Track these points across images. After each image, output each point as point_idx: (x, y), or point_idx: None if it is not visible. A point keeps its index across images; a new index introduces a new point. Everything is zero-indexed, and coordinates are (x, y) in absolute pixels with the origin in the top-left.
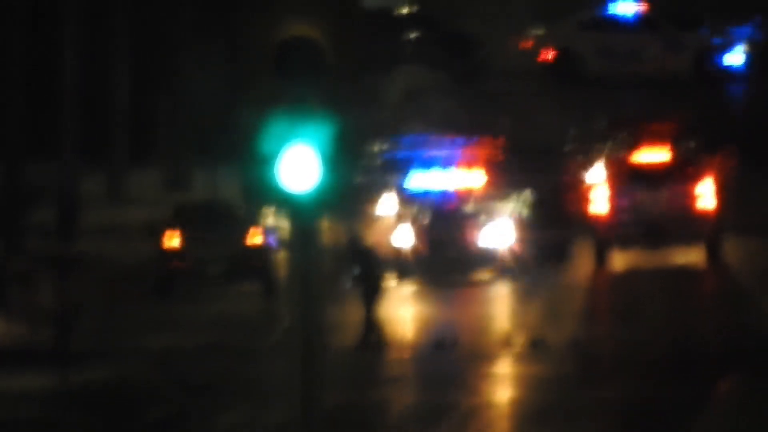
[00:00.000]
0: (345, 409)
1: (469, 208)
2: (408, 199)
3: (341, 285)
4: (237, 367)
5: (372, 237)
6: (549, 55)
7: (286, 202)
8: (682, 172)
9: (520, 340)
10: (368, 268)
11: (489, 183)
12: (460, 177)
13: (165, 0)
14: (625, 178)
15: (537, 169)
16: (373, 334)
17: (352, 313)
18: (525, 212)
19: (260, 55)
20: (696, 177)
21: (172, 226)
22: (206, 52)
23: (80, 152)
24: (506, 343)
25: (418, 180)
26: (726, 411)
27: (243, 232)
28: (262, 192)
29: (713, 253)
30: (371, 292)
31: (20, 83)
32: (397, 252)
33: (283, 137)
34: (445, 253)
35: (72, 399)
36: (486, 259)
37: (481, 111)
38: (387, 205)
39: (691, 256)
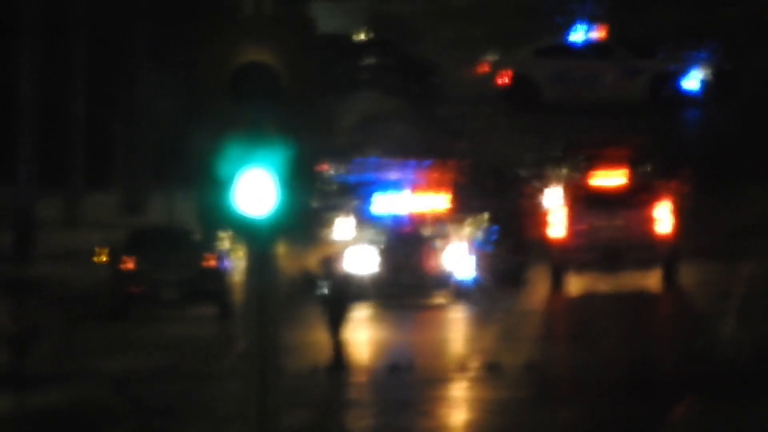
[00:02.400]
0: None
1: (425, 231)
2: (364, 223)
3: (301, 306)
4: (193, 390)
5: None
6: (505, 80)
7: (242, 227)
8: (639, 197)
9: (475, 364)
10: (338, 291)
11: (446, 207)
12: (416, 201)
13: (122, 24)
14: (582, 202)
15: (494, 193)
16: (339, 356)
17: (310, 335)
18: (481, 236)
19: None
20: (652, 201)
21: (128, 250)
22: (163, 76)
23: (37, 175)
24: (462, 366)
25: (375, 204)
26: None
27: (199, 256)
28: (218, 216)
29: (669, 277)
30: (338, 315)
31: None
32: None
33: (239, 161)
34: (401, 277)
35: (29, 422)
36: (442, 282)
37: (437, 135)
38: (343, 229)
39: (648, 280)
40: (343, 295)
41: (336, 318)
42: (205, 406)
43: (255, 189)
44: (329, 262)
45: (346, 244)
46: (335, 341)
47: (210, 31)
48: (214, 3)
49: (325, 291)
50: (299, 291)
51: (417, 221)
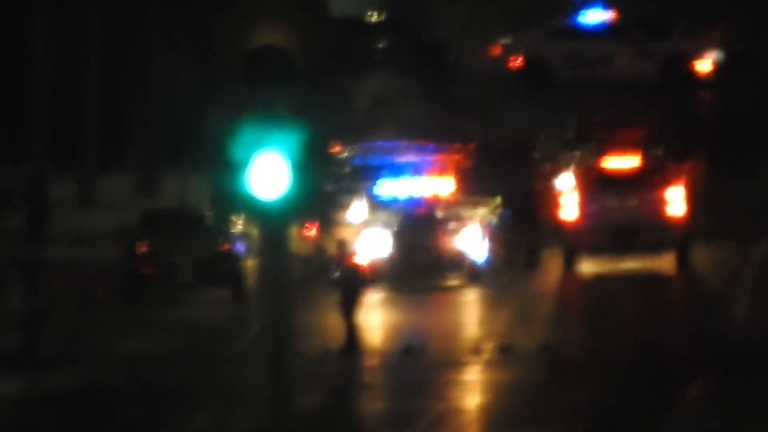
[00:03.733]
0: (314, 415)
1: (439, 214)
2: (378, 205)
3: (314, 288)
4: (206, 371)
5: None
6: (518, 62)
7: (255, 209)
8: (652, 179)
9: (489, 346)
10: (349, 275)
11: (459, 189)
12: (430, 183)
13: (136, 4)
14: (595, 184)
15: (507, 175)
16: (353, 339)
17: (324, 318)
18: (495, 218)
19: (230, 62)
20: (665, 183)
21: (141, 231)
22: (177, 58)
23: (50, 157)
24: (475, 349)
25: (388, 186)
26: (694, 414)
27: (212, 239)
28: (231, 199)
29: (682, 259)
30: (351, 299)
31: None
32: (369, 258)
33: (253, 144)
34: (415, 259)
35: (42, 403)
36: (456, 265)
37: (450, 117)
38: (357, 211)
39: (661, 261)
40: (356, 278)
41: (348, 301)
42: (218, 388)
43: (268, 172)
44: (342, 246)
45: (360, 227)
46: (348, 324)
47: (225, 13)
48: None
49: (338, 274)
50: (313, 274)
51: (430, 203)
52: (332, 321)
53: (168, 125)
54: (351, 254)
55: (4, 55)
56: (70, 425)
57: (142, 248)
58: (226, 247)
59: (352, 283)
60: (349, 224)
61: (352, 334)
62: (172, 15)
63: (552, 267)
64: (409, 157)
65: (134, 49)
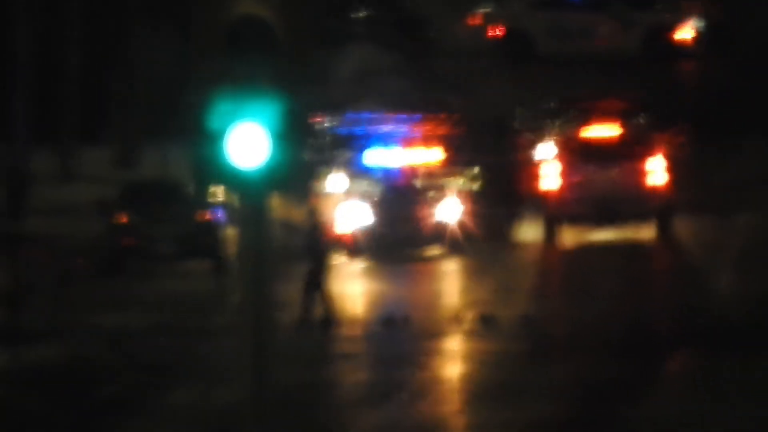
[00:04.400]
0: (296, 387)
1: (419, 184)
2: (358, 176)
3: (294, 260)
4: (188, 345)
5: (323, 213)
6: (497, 32)
7: (235, 180)
8: (633, 149)
9: (470, 317)
10: (314, 243)
11: (439, 160)
12: (410, 154)
13: None
14: (576, 154)
15: (487, 146)
16: (326, 309)
17: (293, 289)
18: (475, 189)
19: (211, 33)
20: (646, 154)
21: (122, 204)
22: (157, 30)
23: (31, 130)
24: (456, 319)
25: (368, 157)
26: (677, 388)
27: (193, 210)
28: (211, 169)
29: (664, 230)
30: (318, 268)
31: None
32: (348, 228)
33: (232, 115)
34: (395, 230)
35: (24, 377)
36: (436, 235)
37: (431, 89)
38: (337, 182)
39: (642, 232)
40: (324, 247)
41: (317, 272)
42: (199, 361)
43: (248, 142)
44: (312, 214)
45: (340, 197)
46: (321, 295)
47: None
48: None
49: (306, 242)
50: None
51: (410, 174)
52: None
53: (149, 97)
54: (321, 223)
55: None
56: (53, 399)
57: (122, 221)
58: (207, 218)
59: (319, 253)
60: (330, 194)
61: (328, 304)
62: None
63: (533, 237)
64: (390, 128)
65: (114, 22)
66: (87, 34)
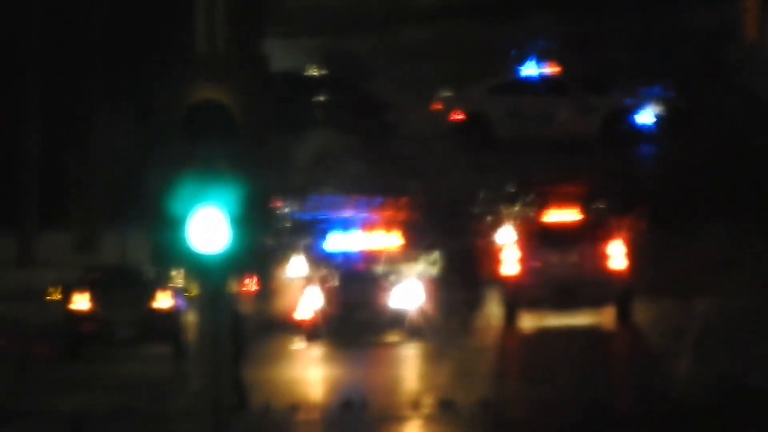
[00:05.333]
0: None
1: (378, 269)
2: (318, 260)
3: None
4: (147, 429)
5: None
6: (458, 117)
7: (195, 264)
8: (592, 233)
9: (429, 401)
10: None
11: (399, 244)
12: (369, 238)
13: (76, 61)
14: (535, 239)
15: (447, 230)
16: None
17: (263, 372)
18: (434, 273)
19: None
20: (606, 238)
21: (80, 289)
22: (117, 113)
23: None
24: (415, 404)
25: (329, 242)
26: None
27: (152, 295)
28: (171, 254)
29: (624, 314)
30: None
31: None
32: (307, 313)
33: (193, 199)
34: (354, 315)
35: None
36: (396, 320)
37: (391, 173)
38: (297, 266)
39: (602, 317)
40: (239, 331)
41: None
42: None
43: (208, 226)
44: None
45: (299, 282)
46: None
47: (164, 69)
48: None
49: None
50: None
51: (370, 258)
52: (273, 375)
53: (108, 182)
54: (235, 306)
55: None
56: None
57: (81, 305)
58: (167, 303)
59: (235, 336)
60: (289, 279)
61: (240, 387)
62: (114, 72)
63: (492, 322)
64: (350, 212)
65: (75, 106)
66: (47, 117)
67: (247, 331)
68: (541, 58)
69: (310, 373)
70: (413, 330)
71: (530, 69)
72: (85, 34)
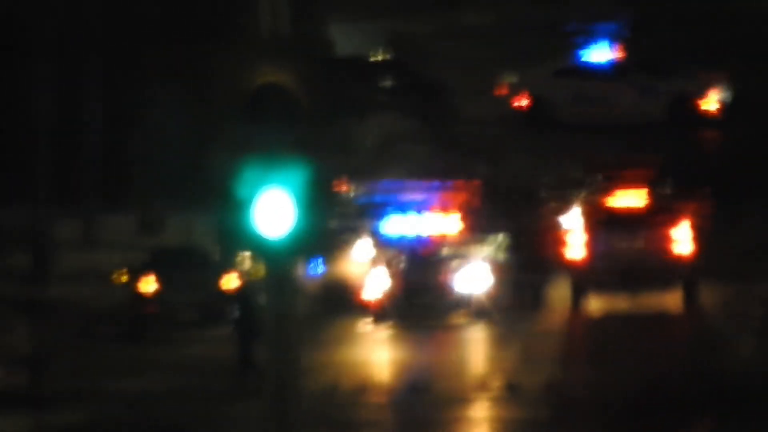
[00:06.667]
0: None
1: (444, 252)
2: (383, 244)
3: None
4: (210, 410)
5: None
6: (523, 101)
7: (261, 247)
8: (658, 217)
9: (495, 384)
10: (247, 311)
11: (464, 227)
12: (435, 221)
13: (137, 44)
14: (601, 223)
15: (513, 213)
16: (250, 374)
17: (330, 355)
18: (500, 256)
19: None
20: (672, 221)
21: (145, 271)
22: (179, 95)
23: (54, 196)
24: (482, 386)
25: (393, 225)
26: None
27: (217, 277)
28: (237, 237)
29: (690, 298)
30: (248, 334)
31: None
32: (374, 295)
33: (258, 182)
34: (420, 298)
35: None
36: (461, 303)
37: (455, 157)
38: (362, 250)
39: (668, 300)
40: (255, 319)
41: (245, 337)
42: (222, 426)
43: (273, 209)
44: (245, 287)
45: (364, 265)
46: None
47: (227, 52)
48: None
49: (237, 314)
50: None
51: (435, 242)
52: (339, 357)
53: (172, 162)
54: (252, 294)
55: (4, 94)
56: None
57: (146, 287)
58: (232, 285)
59: (250, 324)
60: (355, 262)
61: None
62: (175, 53)
63: (559, 305)
64: (415, 195)
65: (136, 87)
66: (109, 99)
67: (314, 314)
68: (609, 42)
69: (377, 355)
70: (479, 313)
71: (602, 52)
72: (144, 14)
